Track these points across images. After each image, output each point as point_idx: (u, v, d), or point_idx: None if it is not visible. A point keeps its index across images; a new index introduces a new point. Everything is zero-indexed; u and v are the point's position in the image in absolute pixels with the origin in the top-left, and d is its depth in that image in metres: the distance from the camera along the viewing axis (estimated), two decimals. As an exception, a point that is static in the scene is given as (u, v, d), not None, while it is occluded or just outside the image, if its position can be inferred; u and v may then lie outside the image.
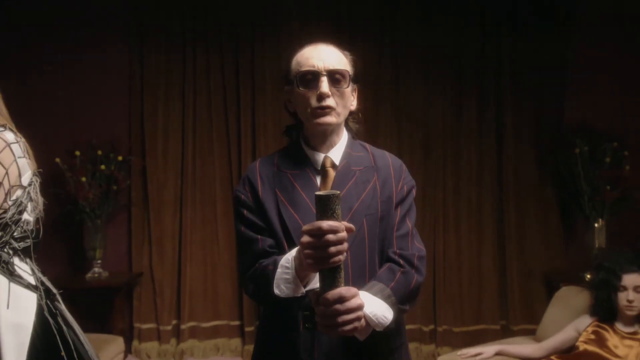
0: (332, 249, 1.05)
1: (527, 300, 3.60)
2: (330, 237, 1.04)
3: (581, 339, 2.42)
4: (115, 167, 3.51)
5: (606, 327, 2.39)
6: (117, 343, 2.98)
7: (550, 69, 3.60)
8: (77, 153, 3.42)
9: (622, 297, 2.34)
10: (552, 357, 2.43)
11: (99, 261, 3.52)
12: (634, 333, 2.33)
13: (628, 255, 2.41)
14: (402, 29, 3.65)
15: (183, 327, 3.70)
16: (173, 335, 3.74)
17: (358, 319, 1.10)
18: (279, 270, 1.20)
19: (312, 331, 1.25)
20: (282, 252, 1.26)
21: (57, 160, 3.35)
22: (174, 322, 3.74)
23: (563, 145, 3.48)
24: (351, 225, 1.10)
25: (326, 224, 1.05)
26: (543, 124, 3.65)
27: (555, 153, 3.55)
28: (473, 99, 3.66)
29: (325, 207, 1.06)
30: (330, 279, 1.08)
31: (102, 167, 3.45)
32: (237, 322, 3.78)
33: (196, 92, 3.70)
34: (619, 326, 2.37)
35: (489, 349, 2.59)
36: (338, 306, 1.07)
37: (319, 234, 1.05)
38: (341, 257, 1.07)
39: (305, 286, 1.19)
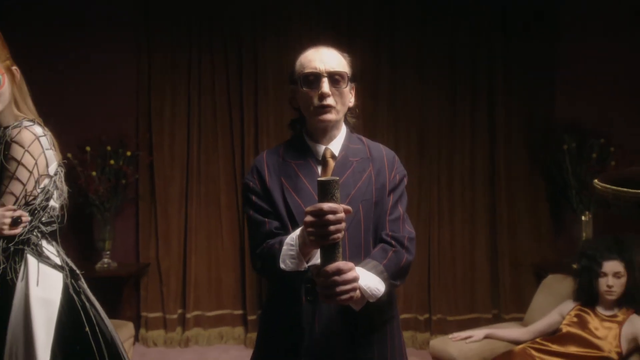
0: (332, 227, 1.20)
1: (518, 290, 3.76)
2: (330, 217, 1.20)
3: (565, 322, 2.58)
4: (123, 162, 3.66)
5: (588, 310, 2.55)
6: (127, 328, 3.13)
7: (540, 69, 3.76)
8: (88, 149, 3.57)
9: (603, 283, 2.50)
10: (538, 339, 2.59)
11: (108, 252, 3.68)
12: (613, 316, 2.49)
13: (608, 243, 2.57)
14: (398, 31, 3.80)
15: (188, 315, 3.86)
16: (179, 323, 3.89)
17: (354, 289, 1.25)
18: (284, 247, 1.35)
19: (313, 303, 1.41)
20: (287, 233, 1.41)
21: (69, 155, 3.49)
22: (180, 311, 3.90)
23: (552, 142, 3.64)
24: (349, 207, 1.25)
25: (327, 205, 1.20)
26: (533, 121, 3.80)
27: (544, 149, 3.71)
28: (466, 98, 3.82)
29: (325, 191, 1.21)
30: (330, 254, 1.23)
31: (112, 162, 3.60)
32: (240, 311, 3.94)
33: (201, 91, 3.85)
34: (600, 310, 2.53)
35: (479, 332, 2.75)
36: (336, 278, 1.22)
37: (320, 214, 1.20)
38: (339, 235, 1.22)
39: (307, 262, 1.34)
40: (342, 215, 1.22)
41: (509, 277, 3.79)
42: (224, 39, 3.81)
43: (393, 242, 1.46)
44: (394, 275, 1.41)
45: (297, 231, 1.34)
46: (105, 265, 3.64)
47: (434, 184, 3.84)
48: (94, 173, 3.53)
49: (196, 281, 3.88)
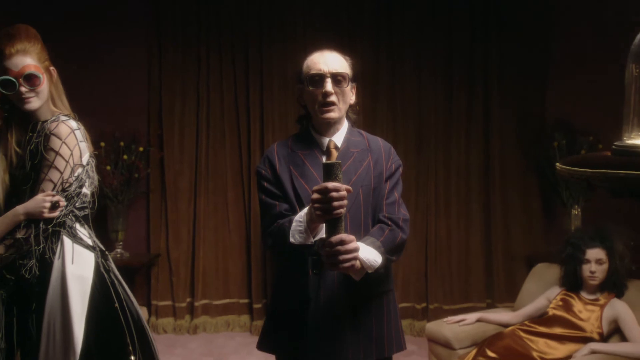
0: (335, 203, 1.39)
1: (511, 280, 3.94)
2: (334, 194, 1.39)
3: (551, 306, 2.77)
4: (136, 157, 3.85)
5: (572, 295, 2.73)
6: (142, 312, 3.32)
7: (532, 70, 3.95)
8: (102, 144, 3.76)
9: (586, 269, 2.68)
10: (526, 322, 2.77)
11: (121, 243, 3.87)
12: (596, 300, 2.68)
13: (591, 233, 2.75)
14: (397, 31, 3.99)
15: (197, 304, 4.05)
16: (187, 311, 4.09)
17: (355, 258, 1.45)
18: (293, 224, 1.54)
19: (319, 275, 1.60)
20: (295, 214, 1.60)
21: (102, 144, 3.68)
22: (188, 299, 4.09)
23: (543, 140, 3.82)
24: (349, 187, 1.44)
25: (331, 184, 1.40)
26: (526, 120, 3.99)
27: (536, 146, 3.89)
28: (462, 97, 4.01)
29: (330, 172, 1.41)
30: (334, 227, 1.42)
31: (125, 157, 3.79)
32: (246, 300, 4.13)
33: (209, 89, 4.04)
34: (584, 294, 2.72)
35: (471, 316, 2.94)
36: (339, 247, 1.41)
37: (326, 191, 1.40)
38: (342, 210, 1.41)
39: (314, 237, 1.54)
40: (344, 193, 1.41)
41: (502, 268, 3.97)
42: (232, 41, 4.00)
43: (389, 222, 1.65)
44: (390, 251, 1.60)
45: (305, 210, 1.53)
46: (118, 255, 3.83)
47: (431, 178, 4.03)
48: (108, 167, 3.73)
49: (204, 271, 4.07)
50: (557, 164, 1.15)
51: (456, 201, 4.04)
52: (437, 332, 2.90)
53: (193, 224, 4.08)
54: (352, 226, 1.60)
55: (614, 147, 1.09)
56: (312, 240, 1.53)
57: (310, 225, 1.51)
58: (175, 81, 4.03)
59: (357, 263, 1.48)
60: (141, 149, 3.86)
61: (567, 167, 1.11)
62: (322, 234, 1.49)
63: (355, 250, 1.45)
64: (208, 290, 4.08)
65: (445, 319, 2.98)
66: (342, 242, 1.43)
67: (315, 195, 1.43)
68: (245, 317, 4.12)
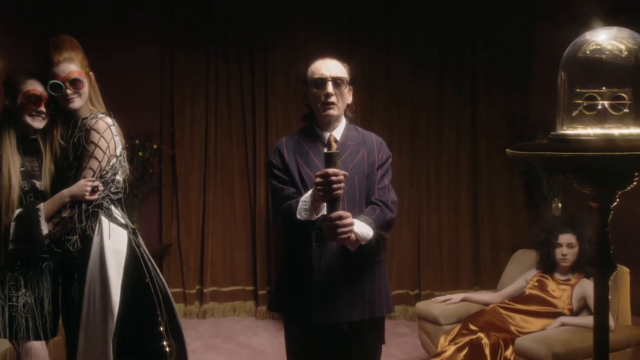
0: (334, 186, 1.70)
1: (497, 267, 4.23)
2: (333, 178, 1.70)
3: (528, 286, 3.08)
4: (150, 154, 4.16)
5: (547, 276, 3.04)
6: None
7: (517, 72, 4.27)
8: (119, 142, 4.06)
9: (558, 252, 2.99)
10: (506, 301, 3.09)
11: (136, 233, 4.17)
12: (567, 280, 2.99)
13: (563, 220, 3.07)
14: (392, 38, 4.30)
15: (205, 291, 4.36)
16: (197, 298, 4.39)
17: (350, 231, 1.75)
18: (300, 203, 1.85)
19: (321, 247, 1.90)
20: (301, 196, 1.90)
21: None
22: (198, 287, 4.40)
23: (527, 137, 4.13)
24: (346, 173, 1.75)
25: (331, 170, 1.70)
26: (511, 119, 4.30)
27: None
28: (452, 98, 4.32)
29: (330, 160, 1.71)
30: (333, 205, 1.73)
31: (140, 153, 4.10)
32: (251, 287, 4.44)
33: (218, 91, 4.36)
34: (557, 275, 3.03)
35: (457, 296, 3.25)
36: (338, 222, 1.72)
37: (327, 176, 1.70)
38: (340, 192, 1.72)
39: (317, 214, 1.84)
40: (342, 177, 1.72)
41: (489, 257, 4.28)
42: (238, 47, 4.32)
43: (380, 203, 1.96)
44: (380, 227, 1.91)
45: (309, 192, 1.84)
46: (134, 245, 4.13)
47: (423, 175, 4.34)
48: (124, 163, 4.03)
49: (212, 260, 4.38)
50: (507, 149, 1.45)
51: (446, 195, 4.35)
52: (426, 310, 3.22)
53: (202, 216, 4.39)
54: (348, 206, 1.91)
55: (550, 136, 1.40)
56: (316, 216, 1.84)
57: (314, 204, 1.82)
58: (186, 84, 4.34)
59: (353, 235, 1.79)
60: (155, 146, 4.17)
61: (513, 151, 1.42)
62: (324, 211, 1.80)
63: (351, 224, 1.76)
64: (216, 278, 4.39)
65: (433, 299, 3.30)
66: (340, 218, 1.73)
67: (318, 179, 1.74)
68: (250, 302, 4.43)
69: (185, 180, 4.37)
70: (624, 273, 2.95)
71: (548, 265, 3.06)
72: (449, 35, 4.29)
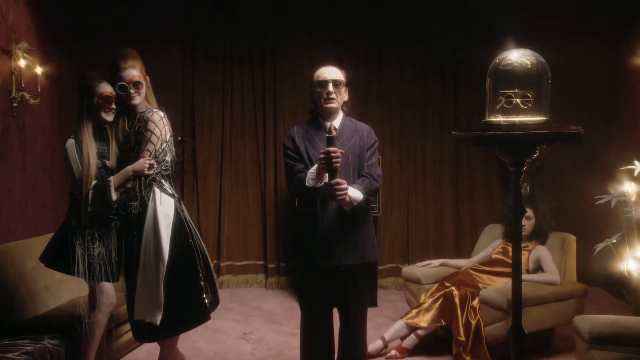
0: (334, 160, 2.33)
1: (475, 243, 4.87)
2: (333, 154, 2.33)
3: (494, 252, 3.72)
4: (175, 145, 4.79)
5: (509, 244, 3.68)
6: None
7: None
8: (148, 134, 4.70)
9: (519, 224, 3.63)
10: (476, 264, 3.73)
11: (162, 214, 4.81)
12: (526, 246, 3.62)
13: (523, 196, 3.71)
14: (383, 44, 4.95)
15: (222, 264, 5.00)
16: (214, 271, 4.97)
17: (345, 194, 2.38)
18: (308, 175, 2.48)
19: (323, 209, 2.54)
20: (308, 170, 2.53)
21: None
22: (215, 261, 5.03)
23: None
24: (342, 151, 2.39)
25: (331, 148, 2.33)
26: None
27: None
28: (436, 98, 4.97)
29: (330, 142, 2.35)
30: (333, 175, 2.36)
31: (166, 145, 4.73)
32: (261, 262, 5.08)
33: (233, 92, 5.00)
34: (517, 243, 3.67)
35: (436, 261, 3.90)
36: (336, 186, 2.35)
37: (328, 153, 2.33)
38: (338, 165, 2.35)
39: (320, 182, 2.47)
40: (339, 154, 2.35)
41: (469, 234, 4.92)
42: (251, 52, 4.96)
43: (368, 176, 2.60)
44: (367, 193, 2.54)
45: (314, 166, 2.48)
46: (160, 224, 4.76)
47: (411, 163, 4.99)
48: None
49: (228, 238, 5.02)
50: (452, 131, 2.09)
51: (431, 182, 5.00)
52: (410, 273, 3.86)
53: (219, 200, 5.03)
54: (344, 177, 2.53)
55: (481, 122, 2.03)
56: (320, 184, 2.48)
57: (318, 174, 2.46)
58: (205, 85, 4.99)
59: (347, 198, 2.43)
60: (179, 138, 4.80)
61: (456, 132, 2.06)
62: (326, 180, 2.44)
63: (346, 189, 2.40)
64: (231, 254, 5.03)
65: (416, 264, 3.94)
66: (338, 184, 2.37)
67: (322, 156, 2.37)
68: (261, 275, 5.07)
69: (204, 169, 5.01)
70: (571, 240, 3.59)
71: (510, 235, 3.69)
72: (433, 43, 4.94)
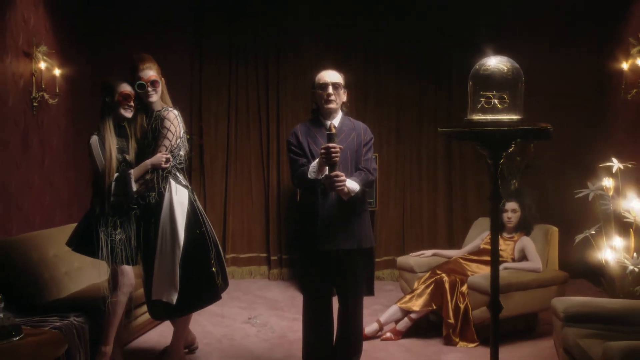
0: (333, 154, 2.60)
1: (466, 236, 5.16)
2: (332, 149, 2.59)
3: (482, 243, 3.99)
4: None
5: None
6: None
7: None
8: (158, 133, 4.97)
9: (505, 216, 3.90)
10: (466, 254, 4.00)
11: (171, 208, 5.09)
12: (512, 237, 3.90)
13: (509, 191, 4.00)
14: (380, 48, 5.23)
15: (227, 256, 5.27)
16: (220, 262, 5.30)
17: (344, 185, 2.65)
18: (310, 168, 2.74)
19: (324, 199, 2.81)
20: (310, 164, 2.80)
21: None
22: (221, 253, 5.31)
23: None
24: (341, 146, 2.66)
25: (331, 144, 2.60)
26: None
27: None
28: (430, 99, 5.25)
29: (330, 138, 2.62)
30: (332, 168, 2.63)
31: (175, 143, 5.00)
32: (264, 254, 5.36)
33: (238, 93, 5.28)
34: (504, 234, 3.94)
35: (429, 251, 4.17)
36: (335, 178, 2.62)
37: (328, 148, 2.60)
38: (337, 159, 2.61)
39: (321, 175, 2.74)
40: (338, 149, 2.62)
41: (461, 228, 5.18)
42: (256, 55, 5.24)
43: (364, 169, 2.87)
44: (364, 184, 2.81)
45: (316, 160, 2.75)
46: (169, 218, 5.04)
47: (407, 161, 5.27)
48: (163, 150, 4.94)
49: (233, 231, 5.30)
50: (438, 128, 2.36)
51: (426, 178, 5.28)
52: (404, 262, 4.14)
53: (225, 195, 5.31)
54: (342, 170, 2.81)
55: (464, 120, 2.31)
56: (321, 176, 2.75)
57: (319, 168, 2.73)
58: (211, 86, 5.27)
59: (345, 188, 2.70)
60: (188, 136, 5.05)
61: (441, 129, 2.33)
62: (326, 173, 2.71)
63: (344, 181, 2.67)
64: (236, 246, 5.30)
65: (410, 254, 4.21)
66: (337, 176, 2.64)
67: (322, 151, 2.65)
68: (264, 267, 5.35)
69: (211, 165, 5.29)
70: (553, 231, 3.87)
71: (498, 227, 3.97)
72: (427, 50, 5.21)
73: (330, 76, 2.90)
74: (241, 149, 5.32)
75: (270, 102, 5.27)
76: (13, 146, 4.00)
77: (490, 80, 2.29)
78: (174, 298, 2.93)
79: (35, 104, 4.24)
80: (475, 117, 2.29)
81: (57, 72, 4.49)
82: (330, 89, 2.87)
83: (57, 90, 4.48)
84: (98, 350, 3.02)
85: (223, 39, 5.24)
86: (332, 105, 2.89)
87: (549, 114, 4.88)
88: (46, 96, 4.31)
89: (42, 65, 4.24)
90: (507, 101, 2.25)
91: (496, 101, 2.30)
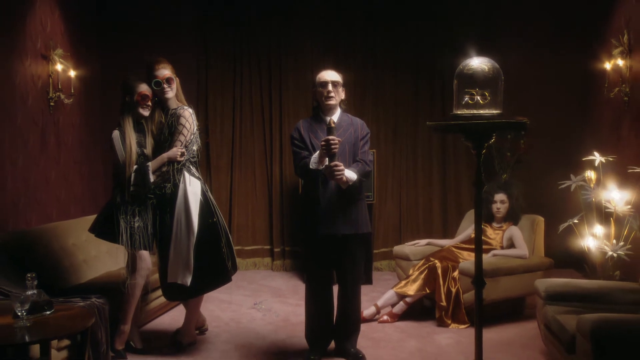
0: (332, 146, 2.86)
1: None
2: (332, 142, 2.86)
3: (473, 232, 4.25)
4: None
5: (487, 225, 4.22)
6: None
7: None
8: (167, 131, 5.24)
9: (494, 207, 4.16)
10: (458, 243, 4.27)
11: (179, 203, 5.35)
12: (500, 227, 4.16)
13: (498, 183, 4.26)
14: (378, 49, 5.49)
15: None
16: (225, 255, 5.56)
17: (342, 174, 2.91)
18: (311, 159, 3.01)
19: (324, 187, 3.07)
20: (312, 156, 3.07)
21: None
22: (226, 246, 5.57)
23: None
24: (340, 139, 2.92)
25: (331, 137, 2.87)
26: (472, 114, 5.48)
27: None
28: (426, 98, 5.51)
29: (330, 131, 2.89)
30: (332, 159, 2.90)
31: (183, 140, 5.27)
32: (268, 247, 5.62)
33: (242, 93, 5.55)
34: (494, 224, 4.21)
35: (423, 240, 4.44)
36: (335, 168, 2.89)
37: (328, 140, 2.86)
38: (336, 150, 2.88)
39: (322, 165, 3.01)
40: (337, 141, 2.88)
41: (455, 220, 5.43)
42: (259, 57, 5.51)
43: (361, 161, 3.14)
44: (361, 175, 3.07)
45: (317, 152, 3.02)
46: (177, 212, 5.30)
47: (403, 157, 5.54)
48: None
49: (238, 224, 5.56)
50: (427, 122, 2.63)
51: (422, 174, 5.54)
52: (400, 251, 4.40)
53: (230, 190, 5.58)
54: (341, 162, 3.08)
55: (450, 115, 2.57)
56: (321, 167, 3.01)
57: (320, 159, 2.99)
58: (217, 86, 5.54)
59: (344, 177, 2.96)
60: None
61: (428, 123, 2.59)
62: (326, 163, 2.98)
63: (343, 170, 2.94)
64: (240, 239, 5.56)
65: (406, 243, 4.48)
66: (336, 166, 2.91)
67: (323, 143, 2.91)
68: (267, 259, 5.61)
69: (217, 162, 5.56)
70: (540, 221, 4.14)
71: (487, 217, 4.23)
72: (423, 50, 5.48)
73: (330, 75, 3.17)
74: (245, 146, 5.58)
75: (273, 102, 5.54)
76: (32, 144, 4.26)
77: (473, 79, 2.54)
78: (188, 280, 3.19)
79: (52, 104, 4.51)
80: (460, 112, 2.55)
81: (72, 73, 4.75)
82: (330, 87, 3.13)
83: (72, 91, 4.75)
84: (117, 329, 3.28)
85: (228, 42, 5.51)
86: (332, 102, 3.15)
87: (538, 111, 5.18)
88: (62, 96, 4.58)
89: (59, 67, 4.51)
90: (489, 97, 2.51)
91: (478, 97, 2.56)
